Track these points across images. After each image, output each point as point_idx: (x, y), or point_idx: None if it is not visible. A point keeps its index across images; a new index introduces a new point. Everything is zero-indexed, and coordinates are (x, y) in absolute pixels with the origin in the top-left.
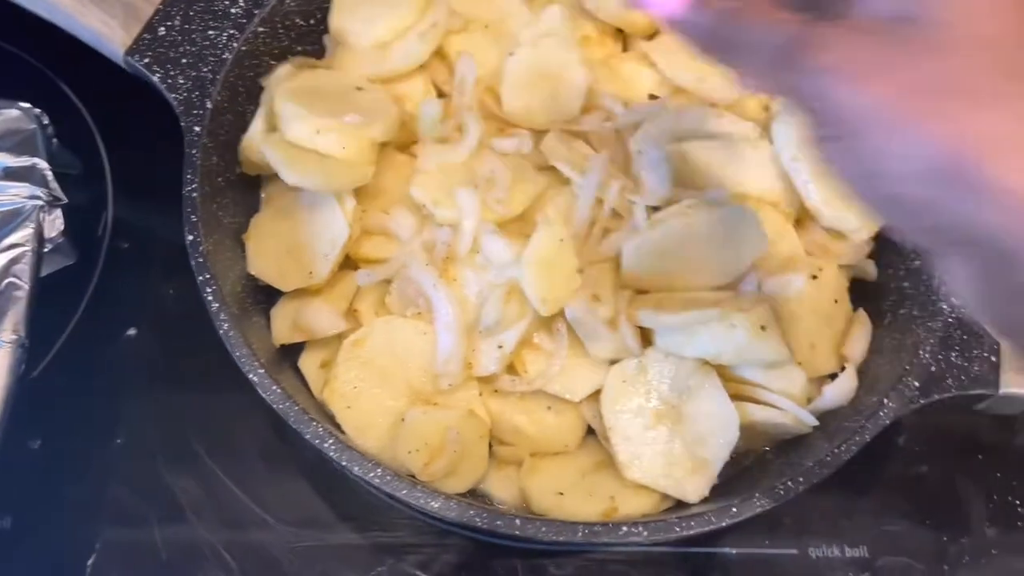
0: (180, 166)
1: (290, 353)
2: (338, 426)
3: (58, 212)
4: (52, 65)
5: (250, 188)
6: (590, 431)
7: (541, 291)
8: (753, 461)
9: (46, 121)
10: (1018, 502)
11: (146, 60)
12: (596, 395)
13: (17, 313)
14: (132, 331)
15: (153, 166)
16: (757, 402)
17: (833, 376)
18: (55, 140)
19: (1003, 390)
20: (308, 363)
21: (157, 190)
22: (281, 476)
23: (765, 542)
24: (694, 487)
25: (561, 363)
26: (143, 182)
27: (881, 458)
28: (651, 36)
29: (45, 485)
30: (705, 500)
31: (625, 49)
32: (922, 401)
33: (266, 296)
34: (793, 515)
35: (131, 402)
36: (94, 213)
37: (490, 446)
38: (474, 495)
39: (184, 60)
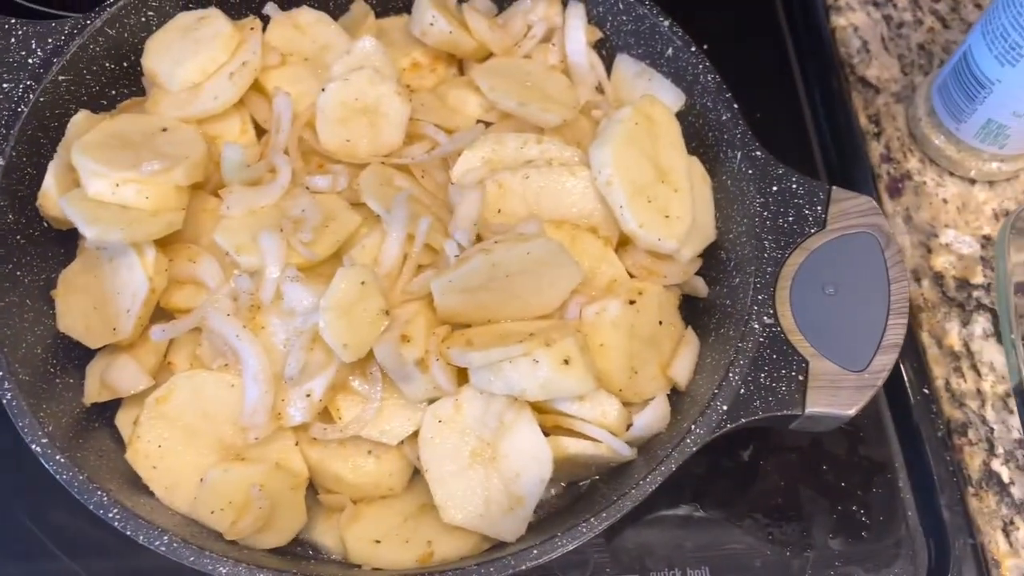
0: None
1: (112, 410)
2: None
3: None
4: None
5: (60, 241)
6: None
7: (341, 337)
8: (586, 490)
9: None
10: (862, 511)
11: None
12: (416, 436)
13: None
14: None
15: None
16: (575, 434)
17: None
18: None
19: (809, 410)
20: (123, 421)
21: None
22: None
23: (606, 570)
24: (510, 526)
25: (376, 407)
26: None
27: (725, 473)
28: (484, 59)
29: None
30: (522, 538)
31: (461, 73)
32: (729, 425)
33: (85, 352)
34: (633, 539)
35: None
36: None
37: (318, 494)
38: (301, 546)
39: None
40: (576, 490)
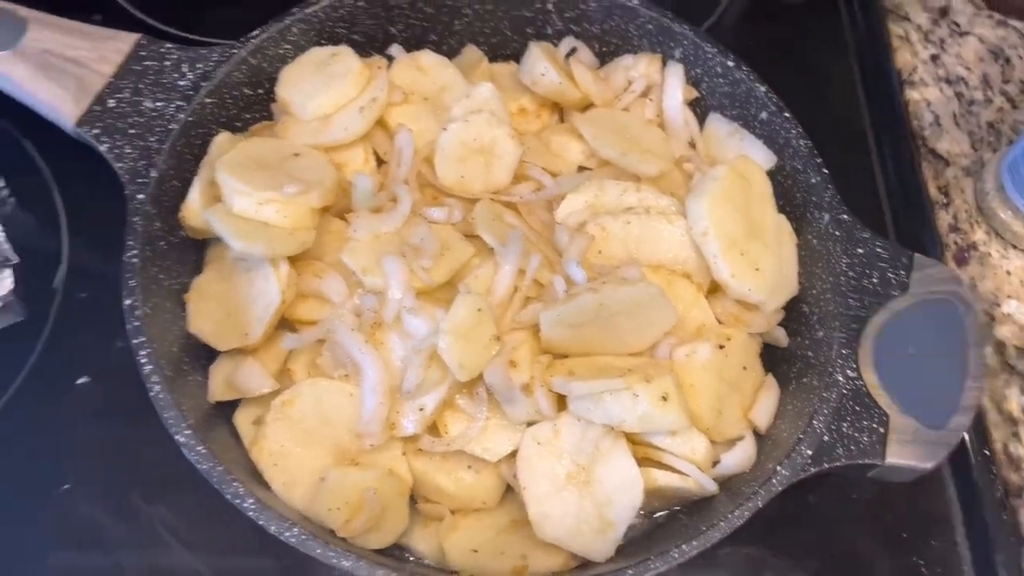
0: None
1: (229, 407)
2: (266, 481)
3: (8, 272)
4: (16, 122)
5: (194, 249)
6: (511, 489)
7: (458, 358)
8: (666, 518)
9: (3, 184)
10: (921, 563)
11: (95, 131)
12: (514, 455)
13: None
14: (84, 379)
15: (108, 220)
16: (663, 466)
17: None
18: (12, 200)
19: (889, 461)
20: (242, 419)
21: (111, 243)
22: (217, 529)
23: None
24: (600, 547)
25: (480, 425)
26: (98, 235)
27: (791, 516)
28: (585, 108)
29: None
30: (611, 559)
31: (562, 120)
32: (813, 469)
33: (207, 353)
34: (702, 573)
35: (78, 451)
36: (49, 266)
37: (415, 502)
38: (398, 549)
39: (132, 131)
40: (652, 520)
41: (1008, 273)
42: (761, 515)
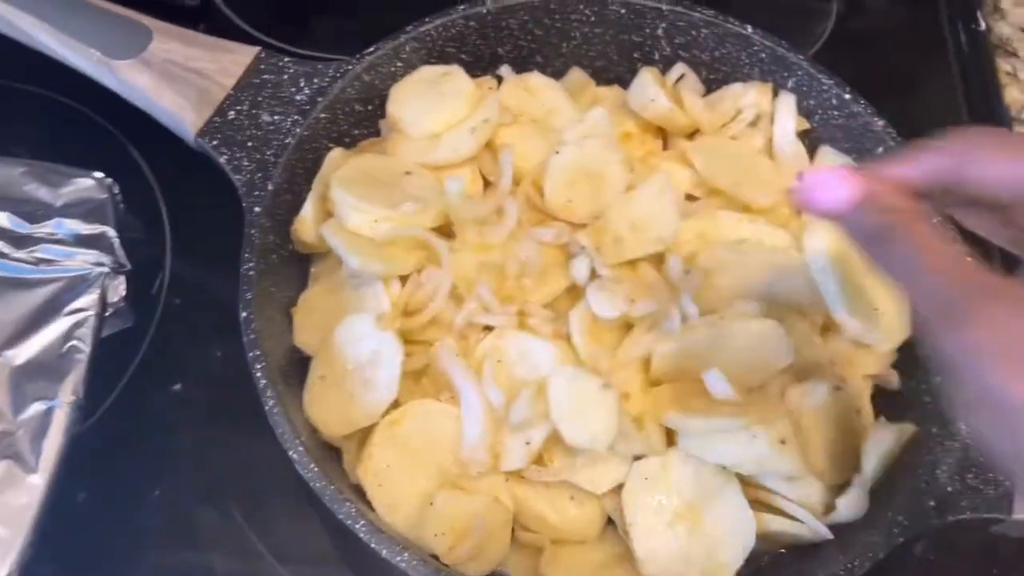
0: (234, 230)
1: None
2: (367, 500)
3: (121, 278)
4: (124, 130)
5: (300, 263)
6: (611, 522)
7: (588, 436)
8: (769, 562)
9: (116, 190)
10: None
11: (215, 142)
12: (618, 489)
13: (77, 375)
14: (178, 386)
15: (209, 229)
16: (775, 510)
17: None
18: (122, 206)
19: (1016, 515)
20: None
21: (211, 253)
22: (308, 541)
23: None
24: None
25: (588, 456)
26: (199, 244)
27: (896, 567)
28: (691, 135)
29: (88, 535)
30: None
31: (665, 147)
32: (936, 521)
33: (306, 368)
34: None
35: (171, 456)
36: (151, 272)
37: (512, 530)
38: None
39: (250, 143)
40: (755, 561)
41: None
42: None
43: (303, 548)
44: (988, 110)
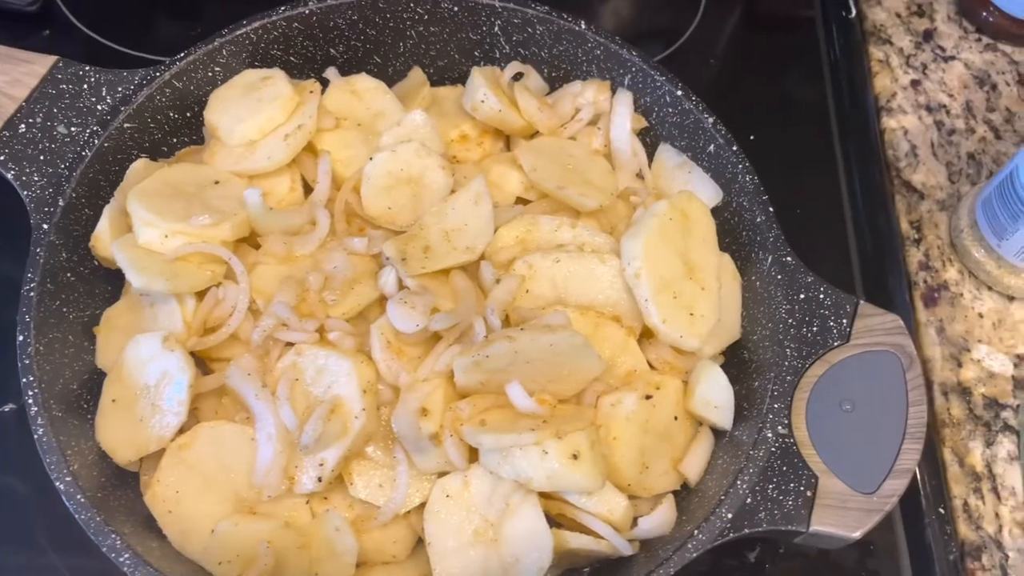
0: None
1: None
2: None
3: None
4: None
5: (109, 279)
6: (422, 541)
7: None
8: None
9: None
10: None
11: (2, 157)
12: (424, 507)
13: None
14: (9, 407)
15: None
16: (578, 526)
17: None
18: None
19: (813, 528)
20: (146, 462)
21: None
22: None
23: None
24: None
25: (404, 480)
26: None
27: (728, 573)
28: (531, 136)
29: None
30: None
31: (508, 148)
32: (732, 535)
33: None
34: None
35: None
36: None
37: None
38: None
39: (42, 157)
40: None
41: (980, 316)
42: (695, 572)
43: None
44: (855, 99)
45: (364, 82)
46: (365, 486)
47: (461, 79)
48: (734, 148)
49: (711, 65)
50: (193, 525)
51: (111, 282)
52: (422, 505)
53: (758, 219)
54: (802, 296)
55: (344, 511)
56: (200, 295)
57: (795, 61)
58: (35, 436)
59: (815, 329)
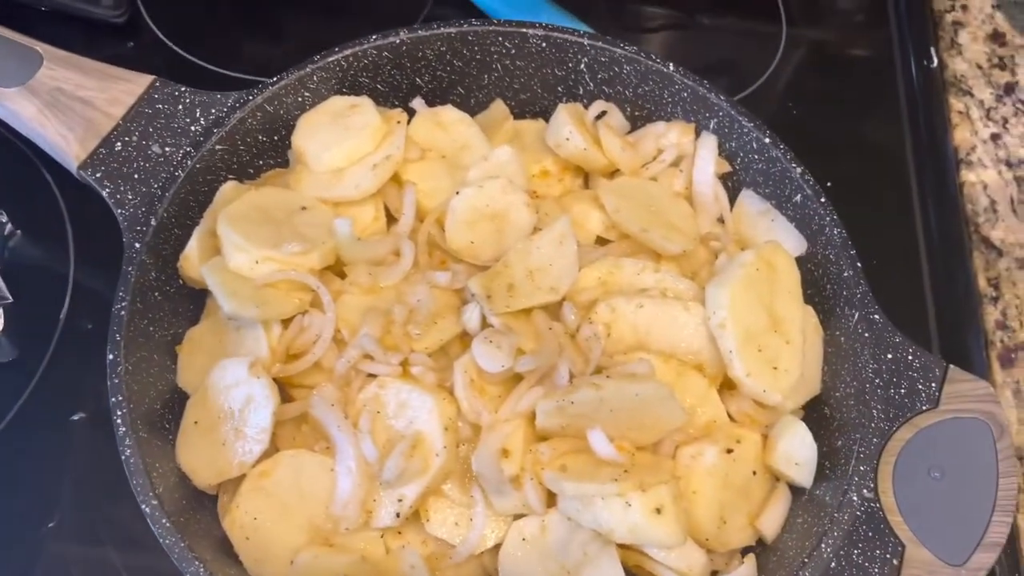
0: None
1: None
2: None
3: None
4: (35, 149)
5: (193, 298)
6: None
7: None
8: None
9: (5, 219)
10: None
11: (98, 174)
12: (498, 548)
13: None
14: (79, 416)
15: (117, 253)
16: None
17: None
18: (17, 232)
19: None
20: (226, 485)
21: (116, 278)
22: None
23: None
24: None
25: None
26: (104, 270)
27: None
28: (612, 174)
29: None
30: None
31: (587, 184)
32: None
33: None
34: None
35: (67, 486)
36: (49, 297)
37: None
38: None
39: (136, 176)
40: None
41: None
42: None
43: None
44: (934, 151)
45: (450, 114)
46: (441, 523)
47: (542, 113)
48: (822, 200)
49: (787, 108)
50: (270, 553)
51: (193, 301)
52: (495, 546)
53: (845, 273)
54: (889, 356)
55: (418, 547)
56: (285, 322)
57: (873, 108)
58: (122, 457)
59: (903, 391)
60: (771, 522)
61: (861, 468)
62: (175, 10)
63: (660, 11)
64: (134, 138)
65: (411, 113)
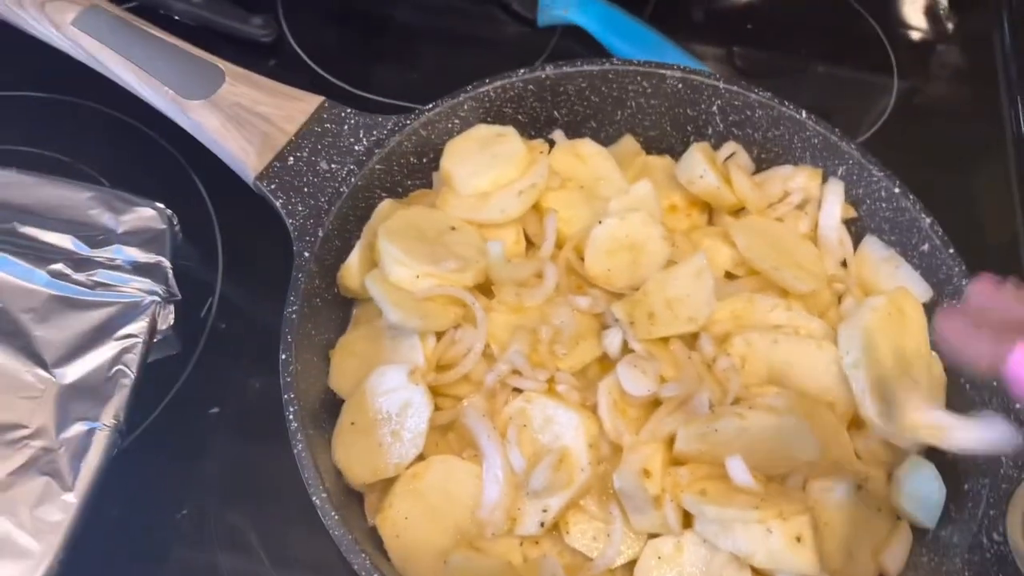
0: (284, 264)
1: None
2: (384, 548)
3: (171, 307)
4: (190, 159)
5: (342, 306)
6: None
7: None
8: None
9: (175, 221)
10: None
11: (273, 186)
12: (631, 565)
13: (120, 400)
14: (215, 410)
15: (261, 262)
16: None
17: None
18: (180, 235)
19: None
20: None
21: (260, 284)
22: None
23: None
24: None
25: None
26: (249, 275)
27: None
28: (736, 212)
29: (117, 552)
30: None
31: (711, 221)
32: None
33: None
34: None
35: (200, 478)
36: (201, 299)
37: None
38: None
39: (306, 189)
40: None
41: None
42: None
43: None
44: None
45: (588, 147)
46: (580, 536)
47: (668, 150)
48: (950, 251)
49: (898, 158)
50: (417, 552)
51: (342, 309)
52: (628, 563)
53: None
54: (1017, 407)
55: (555, 557)
56: (439, 333)
57: (981, 154)
58: (295, 451)
59: None
60: (895, 559)
61: (990, 512)
62: (315, 32)
63: (775, 55)
64: (304, 154)
65: (550, 143)
